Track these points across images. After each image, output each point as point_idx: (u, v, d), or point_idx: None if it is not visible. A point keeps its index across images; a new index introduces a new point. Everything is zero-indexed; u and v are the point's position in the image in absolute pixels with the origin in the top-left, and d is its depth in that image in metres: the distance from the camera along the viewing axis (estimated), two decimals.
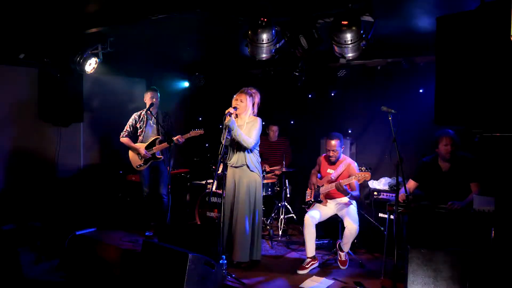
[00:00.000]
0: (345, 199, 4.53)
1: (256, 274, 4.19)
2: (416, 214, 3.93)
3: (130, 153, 5.55)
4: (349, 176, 4.40)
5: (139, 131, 5.49)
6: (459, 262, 3.20)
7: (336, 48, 3.59)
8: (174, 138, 5.16)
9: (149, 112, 5.41)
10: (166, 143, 5.28)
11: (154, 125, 5.44)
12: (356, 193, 4.45)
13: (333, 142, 4.51)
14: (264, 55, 3.91)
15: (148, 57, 6.31)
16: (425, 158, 4.30)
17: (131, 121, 5.50)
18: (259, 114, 4.51)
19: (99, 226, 5.58)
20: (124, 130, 5.48)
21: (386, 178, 5.24)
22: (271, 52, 3.92)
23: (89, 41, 4.76)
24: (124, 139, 5.47)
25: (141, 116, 5.49)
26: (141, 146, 5.42)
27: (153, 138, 5.46)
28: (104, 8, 4.07)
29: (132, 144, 5.44)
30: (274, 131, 6.16)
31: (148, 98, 5.43)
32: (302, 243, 4.59)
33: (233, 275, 4.01)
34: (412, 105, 5.18)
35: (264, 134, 4.56)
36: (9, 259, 4.28)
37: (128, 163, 5.70)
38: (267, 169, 5.63)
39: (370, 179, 5.27)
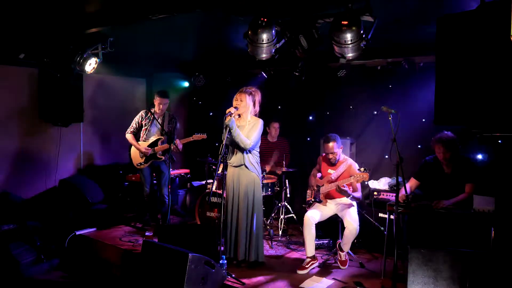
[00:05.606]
0: (345, 199, 4.52)
1: (256, 274, 4.19)
2: (416, 214, 3.93)
3: (132, 150, 5.56)
4: (349, 177, 4.40)
5: (143, 128, 5.49)
6: (459, 262, 3.20)
7: (336, 48, 3.59)
8: (173, 146, 5.17)
9: (150, 112, 5.43)
10: (167, 144, 5.29)
11: (159, 126, 5.44)
12: (358, 194, 4.44)
13: (331, 144, 4.50)
14: (264, 55, 3.91)
15: (148, 57, 6.31)
16: (428, 157, 4.31)
17: (137, 118, 5.52)
18: (260, 114, 4.51)
19: (99, 226, 5.59)
20: (130, 126, 5.50)
21: (386, 178, 5.23)
22: (271, 52, 3.92)
23: (89, 41, 4.77)
24: (129, 136, 5.48)
25: (148, 115, 5.50)
26: (142, 145, 5.43)
27: (155, 138, 5.46)
28: (104, 8, 4.07)
29: (135, 142, 5.45)
30: (275, 128, 6.06)
31: (155, 100, 5.46)
32: (302, 243, 4.59)
33: (233, 275, 4.02)
34: (412, 105, 5.18)
35: (264, 133, 4.54)
36: (6, 258, 4.29)
37: (129, 162, 5.69)
38: (267, 169, 5.61)
39: (370, 179, 5.27)
